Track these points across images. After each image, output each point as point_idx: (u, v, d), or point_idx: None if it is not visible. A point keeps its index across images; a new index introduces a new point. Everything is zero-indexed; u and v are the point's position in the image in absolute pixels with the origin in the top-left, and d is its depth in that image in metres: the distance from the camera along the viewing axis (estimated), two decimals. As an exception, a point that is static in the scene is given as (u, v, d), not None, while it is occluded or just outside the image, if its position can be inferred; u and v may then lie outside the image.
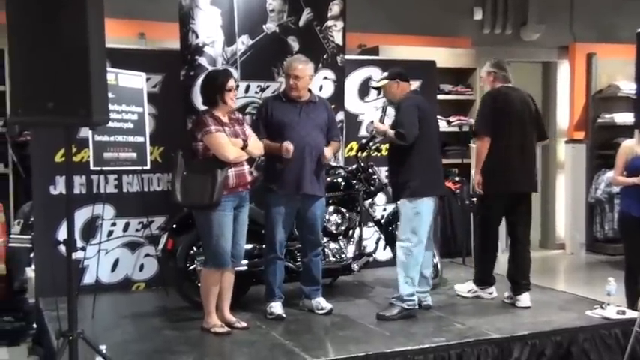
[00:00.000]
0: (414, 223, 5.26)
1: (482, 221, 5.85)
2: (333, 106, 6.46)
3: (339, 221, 5.98)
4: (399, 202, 5.40)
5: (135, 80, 5.85)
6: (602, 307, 5.37)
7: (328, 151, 5.42)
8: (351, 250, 6.04)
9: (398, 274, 5.28)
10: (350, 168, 6.19)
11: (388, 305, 5.34)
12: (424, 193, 5.28)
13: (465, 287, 5.94)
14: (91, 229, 5.96)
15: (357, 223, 6.11)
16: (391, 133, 5.30)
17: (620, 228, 6.32)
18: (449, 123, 8.88)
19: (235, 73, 6.04)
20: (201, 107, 5.19)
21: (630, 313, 5.28)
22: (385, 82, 5.51)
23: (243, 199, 5.03)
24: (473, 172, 5.76)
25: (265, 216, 5.39)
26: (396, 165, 5.40)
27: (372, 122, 5.78)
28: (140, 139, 5.83)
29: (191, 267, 5.51)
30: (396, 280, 5.32)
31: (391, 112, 5.56)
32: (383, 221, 6.23)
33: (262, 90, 6.25)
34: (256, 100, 6.17)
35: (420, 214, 5.26)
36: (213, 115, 4.89)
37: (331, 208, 5.92)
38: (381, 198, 6.75)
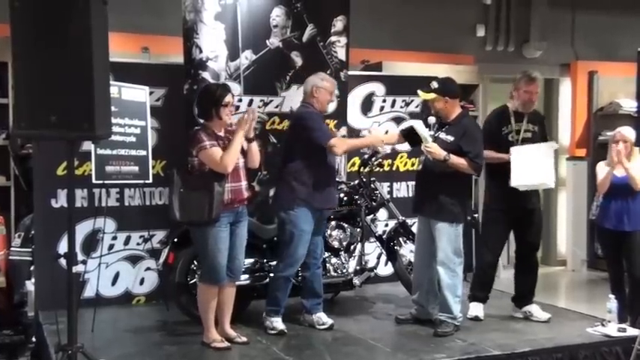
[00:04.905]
0: (456, 244, 5.28)
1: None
2: (335, 122, 6.51)
3: (341, 236, 5.98)
4: (436, 224, 5.25)
5: (138, 94, 5.86)
6: (603, 325, 5.36)
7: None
8: (352, 266, 6.03)
9: (446, 297, 5.26)
10: (352, 183, 6.19)
11: (440, 323, 5.30)
12: (464, 219, 5.35)
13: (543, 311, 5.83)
14: (91, 242, 5.95)
15: (359, 239, 6.10)
16: (461, 161, 5.12)
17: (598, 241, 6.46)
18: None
19: (238, 87, 6.06)
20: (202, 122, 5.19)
21: (631, 331, 5.28)
22: (433, 96, 5.30)
23: (240, 213, 4.99)
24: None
25: (289, 233, 5.25)
26: (440, 185, 5.21)
27: (426, 144, 5.18)
28: (142, 152, 5.83)
29: (192, 281, 5.51)
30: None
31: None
32: (384, 237, 6.23)
33: (265, 104, 6.26)
34: (260, 114, 6.16)
35: (459, 235, 5.30)
36: (207, 130, 4.87)
37: (333, 223, 5.93)
38: (382, 213, 6.74)
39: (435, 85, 5.31)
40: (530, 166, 5.42)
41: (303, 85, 5.51)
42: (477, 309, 5.74)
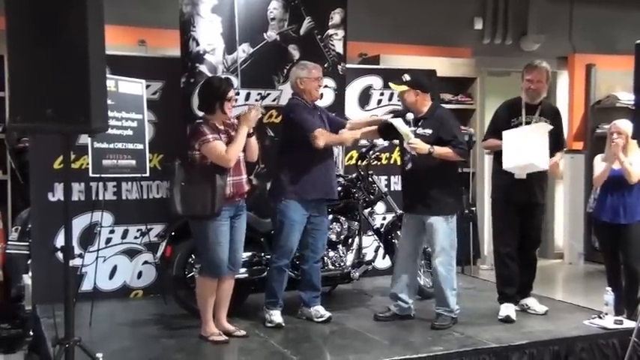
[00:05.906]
0: (452, 237, 5.28)
1: None
2: (333, 114, 6.49)
3: (339, 229, 5.98)
4: (430, 219, 5.20)
5: (135, 87, 5.85)
6: (600, 317, 5.36)
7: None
8: (350, 259, 6.03)
9: (443, 290, 5.27)
10: (350, 176, 6.19)
11: (437, 317, 5.31)
12: (456, 210, 5.36)
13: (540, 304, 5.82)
14: (89, 236, 5.95)
15: (357, 232, 6.10)
16: (446, 150, 5.12)
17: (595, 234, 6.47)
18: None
19: (236, 81, 6.04)
20: (201, 114, 5.18)
21: (628, 323, 5.29)
22: (405, 88, 5.28)
23: (240, 207, 4.99)
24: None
25: (279, 223, 5.30)
26: (430, 181, 5.19)
27: (409, 143, 5.14)
28: (139, 146, 5.83)
29: (189, 275, 5.50)
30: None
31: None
32: (382, 230, 6.24)
33: (262, 98, 6.25)
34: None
35: (454, 228, 5.30)
36: (209, 123, 4.86)
37: (330, 217, 5.92)
38: (380, 207, 6.74)
39: (406, 77, 5.30)
40: (521, 148, 5.32)
41: (289, 80, 5.51)
42: (507, 309, 5.56)
